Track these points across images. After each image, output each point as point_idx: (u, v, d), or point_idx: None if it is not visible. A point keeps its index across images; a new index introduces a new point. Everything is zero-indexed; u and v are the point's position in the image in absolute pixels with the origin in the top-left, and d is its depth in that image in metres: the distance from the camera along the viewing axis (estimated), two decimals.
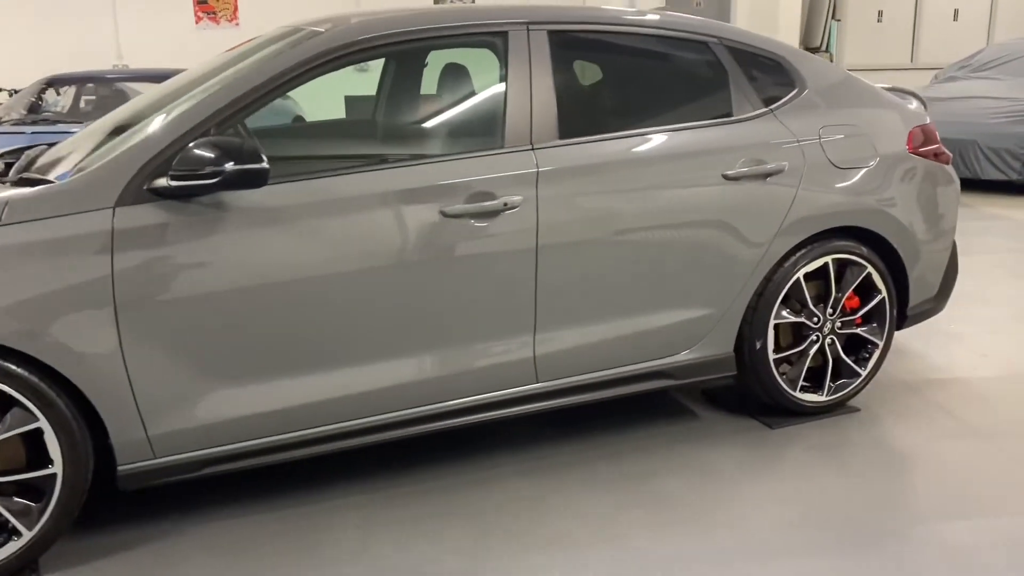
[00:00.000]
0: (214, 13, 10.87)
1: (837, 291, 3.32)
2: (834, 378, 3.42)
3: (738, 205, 3.07)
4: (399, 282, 2.65)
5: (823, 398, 3.39)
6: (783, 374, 3.31)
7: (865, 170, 3.27)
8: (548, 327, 2.89)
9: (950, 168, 3.58)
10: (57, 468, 2.38)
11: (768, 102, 3.21)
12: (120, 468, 2.50)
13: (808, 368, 3.37)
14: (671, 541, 2.61)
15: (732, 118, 3.16)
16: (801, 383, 3.34)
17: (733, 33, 3.25)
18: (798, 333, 3.33)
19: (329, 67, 2.64)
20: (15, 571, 2.39)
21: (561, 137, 2.88)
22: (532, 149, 2.81)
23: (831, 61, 13.07)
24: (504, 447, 3.18)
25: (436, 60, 3.26)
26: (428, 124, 3.25)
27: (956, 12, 14.07)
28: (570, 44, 3.05)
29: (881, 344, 3.44)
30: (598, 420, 3.37)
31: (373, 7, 3.15)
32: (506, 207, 2.72)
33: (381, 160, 2.79)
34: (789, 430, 3.33)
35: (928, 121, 3.53)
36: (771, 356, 3.25)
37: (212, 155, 2.33)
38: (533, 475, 3.00)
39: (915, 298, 3.51)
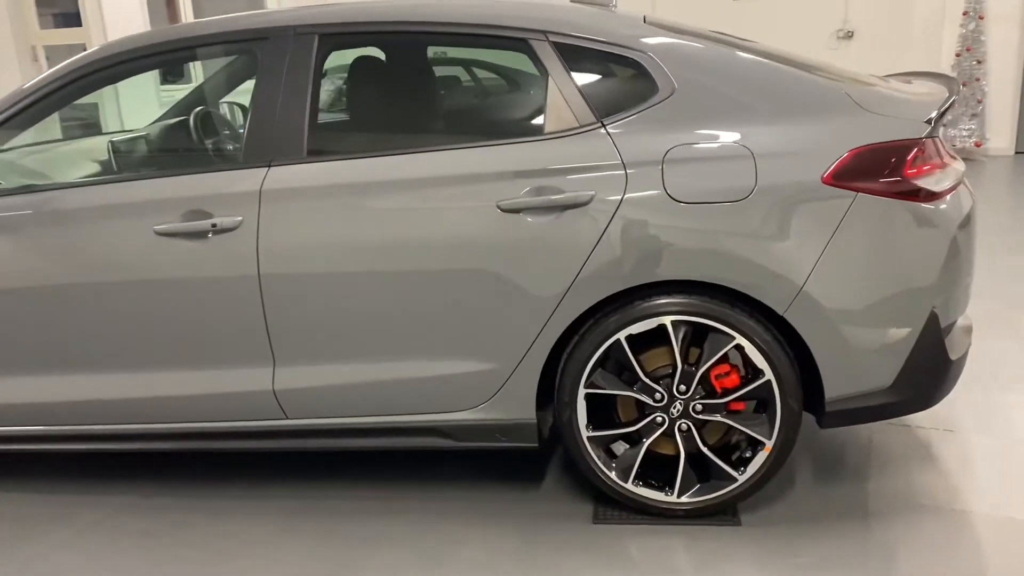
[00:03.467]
0: None
1: (687, 363, 2.51)
2: (700, 477, 2.60)
3: (517, 243, 2.46)
4: (119, 299, 2.64)
5: (670, 499, 2.60)
6: (611, 457, 2.61)
7: (726, 206, 2.39)
8: (288, 362, 2.65)
9: (932, 207, 2.43)
10: None
11: (607, 113, 2.50)
12: None
13: (659, 457, 2.62)
14: None
15: (538, 136, 2.53)
16: (636, 473, 2.60)
17: (570, 26, 2.56)
18: (642, 410, 2.59)
19: (68, 91, 2.70)
20: None
21: (309, 154, 2.58)
22: (268, 167, 2.58)
23: None
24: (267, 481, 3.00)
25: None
26: (165, 139, 3.11)
27: None
28: (346, 48, 2.69)
29: (770, 443, 2.52)
30: (442, 464, 3.00)
31: None
32: (215, 228, 2.55)
33: (117, 173, 2.78)
34: (612, 529, 2.61)
35: (912, 136, 2.42)
36: (583, 433, 2.58)
37: None
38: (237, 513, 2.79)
39: (839, 388, 2.48)
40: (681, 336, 2.48)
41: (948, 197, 2.46)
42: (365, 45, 2.78)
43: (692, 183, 2.40)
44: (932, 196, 2.42)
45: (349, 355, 2.62)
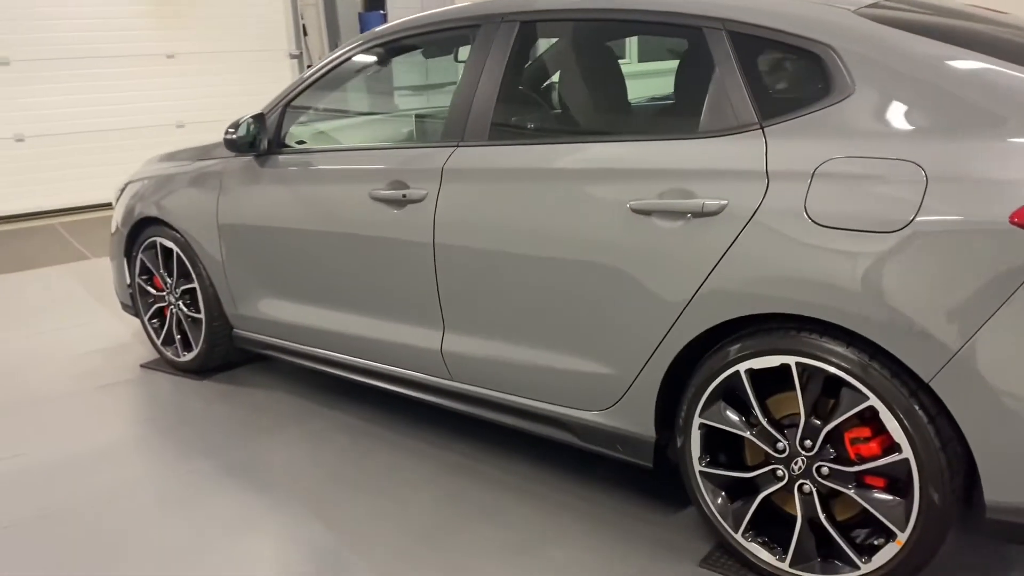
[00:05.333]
0: None
1: (811, 415, 2.13)
2: (821, 549, 2.20)
3: (642, 246, 2.30)
4: (341, 247, 3.08)
5: (780, 564, 2.24)
6: (727, 500, 2.33)
7: (873, 236, 1.94)
8: (455, 327, 2.84)
9: None
10: None
11: (772, 113, 2.18)
12: (234, 331, 3.73)
13: (772, 513, 2.27)
14: None
15: (690, 134, 2.30)
16: (748, 525, 2.28)
17: (751, 14, 2.25)
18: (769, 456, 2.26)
19: (337, 71, 3.16)
20: None
21: (491, 136, 2.70)
22: (456, 146, 2.76)
23: None
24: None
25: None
26: (397, 114, 3.25)
27: None
28: (540, 36, 2.69)
29: (902, 536, 2.03)
30: (596, 463, 2.95)
31: None
32: (404, 198, 2.82)
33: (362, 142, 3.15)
34: None
35: None
36: (695, 465, 2.34)
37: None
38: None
39: (1006, 493, 1.90)
40: (809, 382, 2.11)
41: None
42: (553, 34, 2.79)
43: (839, 203, 2.00)
44: None
45: (498, 331, 2.72)
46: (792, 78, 2.24)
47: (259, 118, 3.30)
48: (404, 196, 2.82)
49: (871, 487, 2.09)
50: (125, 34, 8.31)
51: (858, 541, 2.15)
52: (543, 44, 2.86)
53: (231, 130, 3.27)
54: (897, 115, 2.02)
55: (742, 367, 2.20)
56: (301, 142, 3.44)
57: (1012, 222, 1.80)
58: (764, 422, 2.21)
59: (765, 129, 2.17)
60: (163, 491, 2.95)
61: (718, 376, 2.25)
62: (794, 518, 2.23)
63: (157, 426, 3.49)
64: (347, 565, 2.49)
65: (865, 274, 1.95)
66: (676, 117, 2.58)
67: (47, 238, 7.24)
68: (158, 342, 4.05)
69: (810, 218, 2.03)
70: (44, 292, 5.60)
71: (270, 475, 3.04)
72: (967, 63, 2.02)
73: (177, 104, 8.59)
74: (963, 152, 1.90)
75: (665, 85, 2.61)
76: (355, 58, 3.18)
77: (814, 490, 2.16)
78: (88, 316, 4.97)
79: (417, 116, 3.50)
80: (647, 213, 2.29)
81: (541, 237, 2.52)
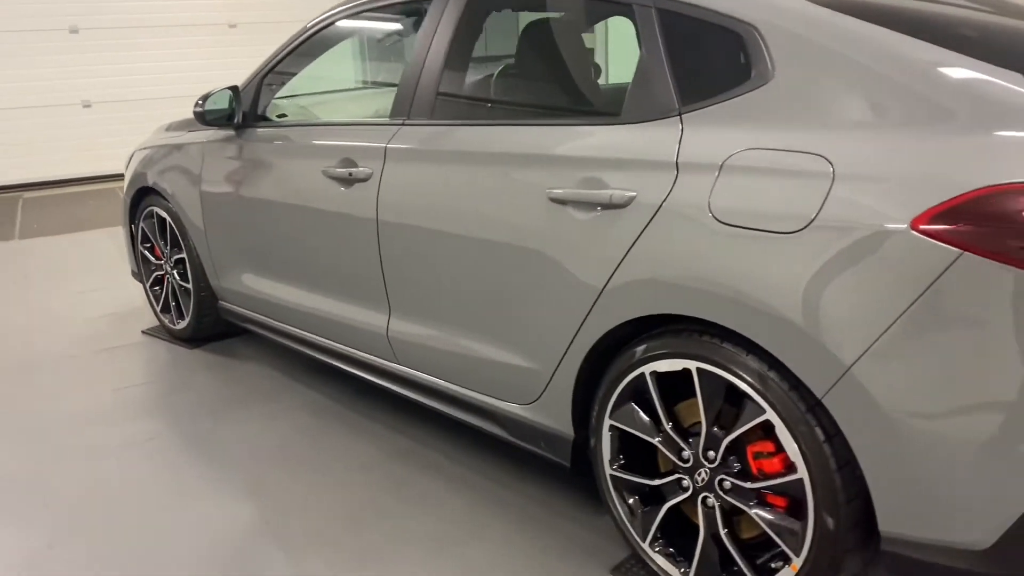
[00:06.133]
0: None
1: (714, 424, 1.98)
2: (725, 568, 2.06)
3: (560, 237, 2.18)
4: (300, 224, 3.06)
5: None
6: (639, 508, 2.21)
7: (770, 237, 1.78)
8: (399, 310, 2.78)
9: None
10: None
11: (693, 99, 2.02)
12: (219, 302, 3.78)
13: (685, 525, 2.15)
14: None
15: (612, 120, 2.15)
16: (655, 535, 2.17)
17: None
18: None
19: (299, 51, 3.13)
20: None
21: (434, 116, 2.62)
22: (401, 125, 2.69)
23: None
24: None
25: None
26: (353, 91, 3.14)
27: None
28: (489, 11, 2.57)
29: (796, 561, 1.88)
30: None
31: None
32: (351, 176, 2.76)
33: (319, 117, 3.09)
34: None
35: None
36: (605, 468, 2.23)
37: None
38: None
39: (901, 524, 1.72)
40: (713, 390, 1.96)
41: None
42: (500, 8, 2.66)
43: (740, 199, 1.85)
44: None
45: (437, 316, 2.65)
46: (716, 61, 2.06)
47: (235, 90, 3.30)
48: (351, 175, 2.77)
49: (772, 506, 1.94)
50: (189, 3, 8.51)
51: (759, 562, 2.00)
52: (493, 20, 2.73)
53: (200, 102, 3.28)
54: (816, 104, 1.83)
55: (647, 369, 2.07)
56: (283, 115, 3.43)
57: (915, 228, 1.62)
58: (668, 428, 2.08)
59: (683, 116, 2.02)
60: (120, 459, 3.02)
61: (625, 377, 2.12)
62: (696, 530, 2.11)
63: (136, 393, 3.57)
64: (262, 547, 2.48)
65: (761, 277, 1.79)
66: (605, 102, 2.44)
67: (104, 201, 7.53)
68: (158, 309, 4.15)
69: (712, 214, 1.88)
70: (82, 255, 5.83)
71: (224, 450, 3.06)
72: (914, 51, 1.79)
73: (239, 73, 8.64)
74: (882, 147, 1.71)
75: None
76: (321, 32, 3.14)
77: (717, 505, 2.02)
78: (111, 280, 5.14)
79: (378, 92, 3.43)
80: (563, 203, 2.17)
81: (472, 222, 2.43)
